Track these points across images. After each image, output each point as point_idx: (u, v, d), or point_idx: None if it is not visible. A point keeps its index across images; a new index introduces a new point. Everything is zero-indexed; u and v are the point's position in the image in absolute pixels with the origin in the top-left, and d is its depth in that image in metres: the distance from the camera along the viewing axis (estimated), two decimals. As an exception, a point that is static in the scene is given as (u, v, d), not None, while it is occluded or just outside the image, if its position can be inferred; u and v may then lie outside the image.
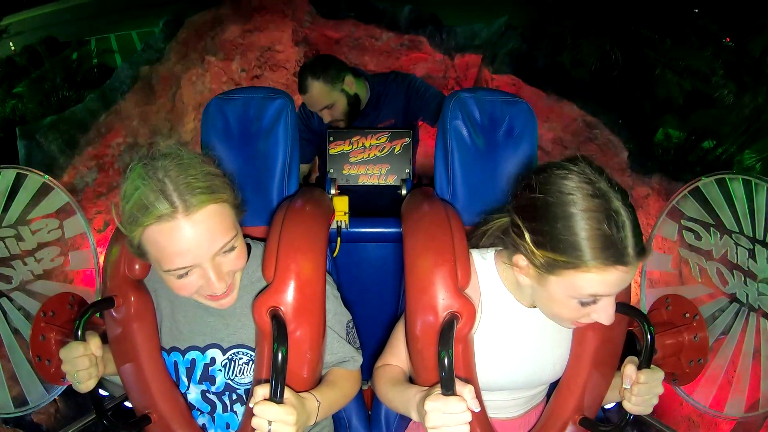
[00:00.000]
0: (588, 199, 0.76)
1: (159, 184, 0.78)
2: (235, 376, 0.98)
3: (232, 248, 0.86)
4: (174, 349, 1.00)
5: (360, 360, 1.04)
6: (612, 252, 0.75)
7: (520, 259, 0.85)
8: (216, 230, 0.82)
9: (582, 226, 0.75)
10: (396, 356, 1.03)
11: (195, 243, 0.79)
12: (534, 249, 0.81)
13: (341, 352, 1.00)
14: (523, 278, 0.87)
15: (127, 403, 1.05)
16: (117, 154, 2.52)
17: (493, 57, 2.79)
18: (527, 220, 0.82)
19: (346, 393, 1.01)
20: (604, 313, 0.82)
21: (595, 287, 0.78)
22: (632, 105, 2.48)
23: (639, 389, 0.86)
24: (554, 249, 0.78)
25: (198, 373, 0.99)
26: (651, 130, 2.37)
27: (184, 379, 1.00)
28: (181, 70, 2.73)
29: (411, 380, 1.00)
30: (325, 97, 1.81)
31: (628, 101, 2.49)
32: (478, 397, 0.89)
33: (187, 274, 0.82)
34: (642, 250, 0.77)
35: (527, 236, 0.82)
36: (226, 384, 0.99)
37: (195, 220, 0.79)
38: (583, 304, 0.81)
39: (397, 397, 0.94)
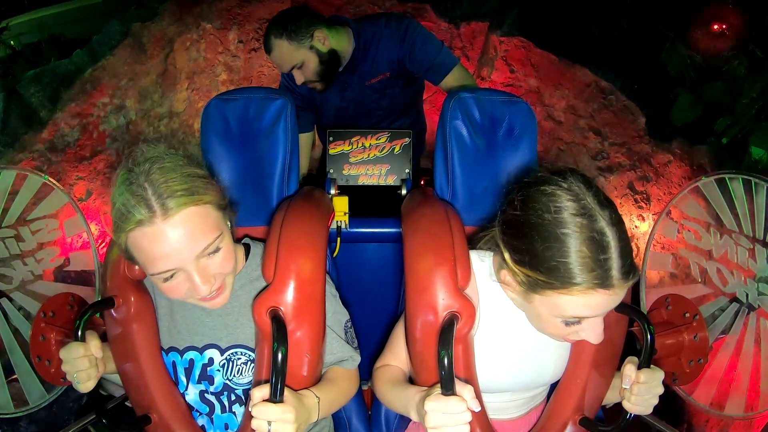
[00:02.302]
0: (571, 218, 0.73)
1: (139, 190, 0.79)
2: (234, 376, 0.98)
3: (217, 249, 0.85)
4: (172, 349, 1.00)
5: (358, 359, 1.04)
6: (595, 275, 0.72)
7: (506, 275, 0.85)
8: (196, 232, 0.82)
9: (563, 248, 0.73)
10: (396, 357, 1.02)
11: (175, 246, 0.80)
12: (515, 267, 0.80)
13: (340, 352, 1.00)
14: (509, 292, 0.87)
15: (127, 403, 1.05)
16: (102, 115, 2.31)
17: (500, 22, 2.67)
18: (509, 236, 0.81)
19: (345, 392, 1.01)
20: (592, 333, 0.80)
21: (577, 310, 0.77)
22: (647, 69, 2.36)
23: (638, 389, 0.86)
24: (535, 269, 0.76)
25: (196, 373, 0.99)
26: (669, 97, 2.24)
27: (183, 378, 1.00)
28: (175, 33, 2.56)
29: (411, 380, 1.00)
30: (291, 57, 1.61)
31: (643, 66, 2.37)
32: (478, 397, 0.90)
33: (172, 277, 0.83)
34: (629, 272, 0.74)
35: (507, 255, 0.81)
36: (225, 384, 0.99)
37: (174, 223, 0.79)
38: (568, 323, 0.80)
39: (396, 397, 0.94)
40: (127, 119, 2.43)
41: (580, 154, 2.58)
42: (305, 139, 1.87)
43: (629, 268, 0.74)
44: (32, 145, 2.03)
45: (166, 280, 0.83)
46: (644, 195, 2.37)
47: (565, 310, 0.77)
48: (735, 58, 2.03)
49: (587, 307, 0.76)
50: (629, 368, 0.87)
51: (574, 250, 0.72)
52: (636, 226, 2.40)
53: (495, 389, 0.97)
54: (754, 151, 1.91)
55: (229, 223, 0.92)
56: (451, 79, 1.73)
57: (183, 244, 0.81)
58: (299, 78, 1.67)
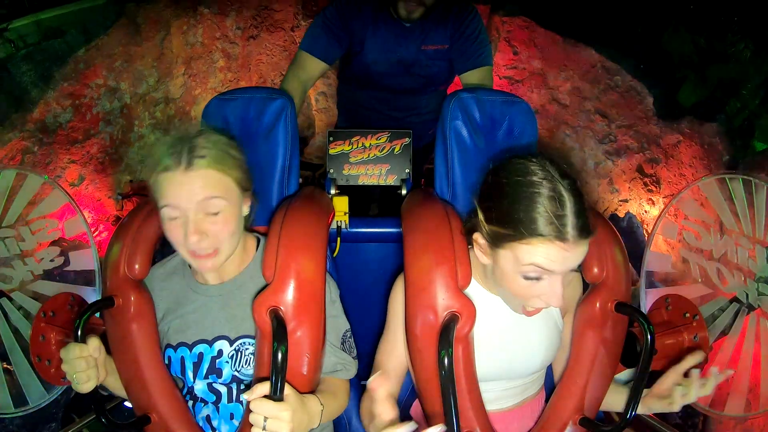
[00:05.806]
0: (537, 180, 0.84)
1: (179, 145, 0.91)
2: (242, 367, 0.98)
3: (218, 212, 0.91)
4: (182, 344, 1.00)
5: (354, 371, 1.03)
6: (553, 228, 0.81)
7: (479, 237, 0.91)
8: (207, 186, 0.90)
9: (527, 203, 0.83)
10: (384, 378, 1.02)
11: (186, 190, 0.89)
12: (485, 224, 0.88)
13: (335, 357, 1.00)
14: (482, 256, 0.92)
15: (127, 403, 1.05)
16: (96, 96, 2.25)
17: (503, 1, 2.64)
18: (483, 199, 0.91)
19: (342, 405, 1.02)
20: (552, 294, 0.85)
21: (536, 258, 0.83)
22: (652, 48, 2.26)
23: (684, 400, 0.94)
24: (501, 223, 0.85)
25: (205, 366, 0.99)
26: (675, 77, 2.16)
27: (190, 374, 1.00)
28: (171, 16, 2.53)
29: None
30: None
31: (647, 45, 2.28)
32: (477, 392, 0.90)
33: (175, 219, 0.91)
34: (583, 231, 0.83)
35: (480, 214, 0.90)
36: (233, 376, 0.99)
37: (192, 175, 0.89)
38: (527, 278, 0.85)
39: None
40: (122, 102, 2.36)
41: (587, 137, 2.55)
42: (320, 67, 1.68)
43: (583, 227, 0.83)
44: (23, 125, 1.98)
45: (170, 219, 0.91)
46: (654, 178, 2.32)
47: (524, 258, 0.84)
48: (740, 41, 1.98)
49: (545, 257, 0.82)
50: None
51: (537, 205, 0.82)
52: (646, 211, 2.36)
53: (484, 378, 0.97)
54: (758, 145, 1.89)
55: (246, 208, 0.99)
56: (476, 74, 1.72)
57: (192, 191, 0.89)
58: None
